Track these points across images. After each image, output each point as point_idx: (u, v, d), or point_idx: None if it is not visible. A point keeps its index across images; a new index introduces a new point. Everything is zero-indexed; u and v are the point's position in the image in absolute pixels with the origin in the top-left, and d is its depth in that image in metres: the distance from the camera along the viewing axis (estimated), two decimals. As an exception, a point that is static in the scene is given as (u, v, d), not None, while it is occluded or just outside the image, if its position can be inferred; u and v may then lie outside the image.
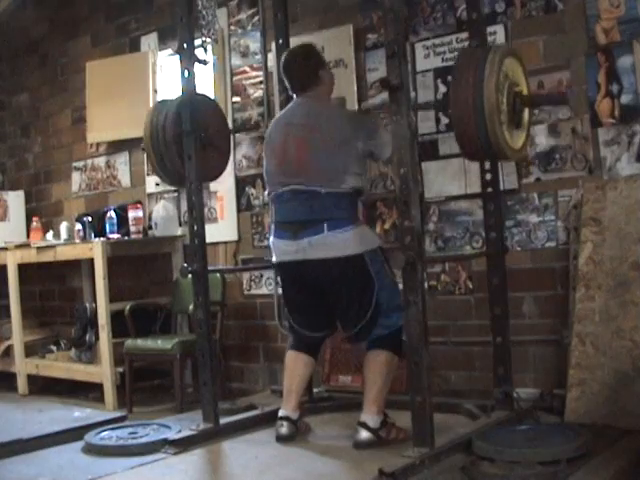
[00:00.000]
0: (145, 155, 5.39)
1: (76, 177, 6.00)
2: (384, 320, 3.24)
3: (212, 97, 4.35)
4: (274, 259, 3.43)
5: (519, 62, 3.23)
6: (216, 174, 4.03)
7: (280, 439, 3.34)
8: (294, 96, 3.48)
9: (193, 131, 3.50)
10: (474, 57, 3.08)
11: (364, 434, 3.17)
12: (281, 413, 3.40)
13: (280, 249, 3.36)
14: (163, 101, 3.94)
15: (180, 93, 3.58)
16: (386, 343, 3.24)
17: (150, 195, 5.43)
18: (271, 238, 3.42)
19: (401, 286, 2.99)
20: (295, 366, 3.46)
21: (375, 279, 3.23)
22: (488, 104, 2.91)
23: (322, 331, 3.47)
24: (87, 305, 5.24)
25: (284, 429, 3.35)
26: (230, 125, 4.60)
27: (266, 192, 3.52)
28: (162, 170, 3.79)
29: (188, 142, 3.51)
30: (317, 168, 3.22)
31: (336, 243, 3.19)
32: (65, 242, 5.14)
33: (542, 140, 3.77)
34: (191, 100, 3.54)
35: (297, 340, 3.51)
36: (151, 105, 5.25)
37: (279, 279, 3.58)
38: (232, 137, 4.29)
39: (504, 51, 3.13)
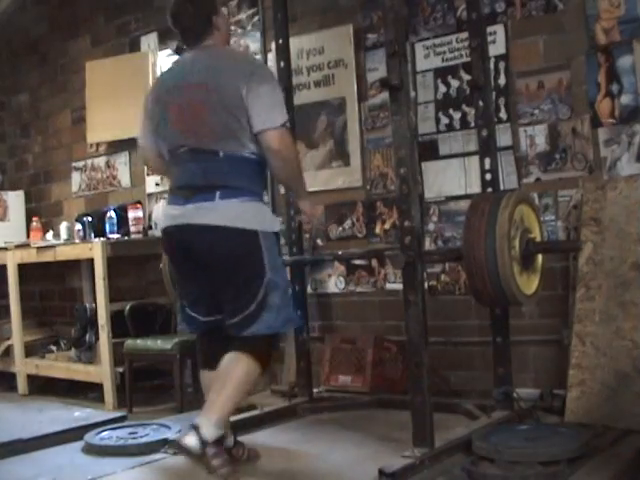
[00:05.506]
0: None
1: (76, 177, 6.01)
2: (269, 317, 2.79)
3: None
4: (160, 227, 3.03)
5: (532, 209, 3.26)
6: None
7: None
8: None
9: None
10: (487, 199, 3.12)
11: (192, 440, 2.65)
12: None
13: (166, 215, 2.93)
14: None
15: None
16: (256, 349, 2.79)
17: (150, 195, 5.42)
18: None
19: (401, 286, 2.98)
20: (208, 388, 2.94)
21: (267, 266, 2.79)
22: (499, 241, 2.91)
23: (214, 315, 2.93)
24: (87, 305, 5.22)
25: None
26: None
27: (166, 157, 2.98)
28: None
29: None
30: (216, 128, 2.78)
31: (226, 212, 2.75)
32: (65, 242, 5.13)
33: (542, 140, 3.77)
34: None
35: (202, 352, 3.08)
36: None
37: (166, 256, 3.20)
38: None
39: (518, 197, 3.12)
